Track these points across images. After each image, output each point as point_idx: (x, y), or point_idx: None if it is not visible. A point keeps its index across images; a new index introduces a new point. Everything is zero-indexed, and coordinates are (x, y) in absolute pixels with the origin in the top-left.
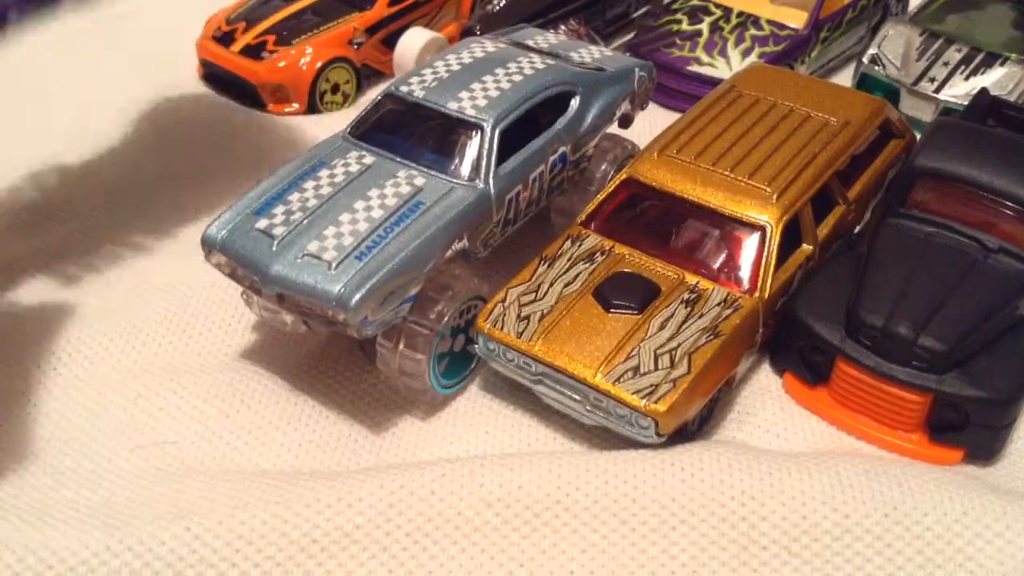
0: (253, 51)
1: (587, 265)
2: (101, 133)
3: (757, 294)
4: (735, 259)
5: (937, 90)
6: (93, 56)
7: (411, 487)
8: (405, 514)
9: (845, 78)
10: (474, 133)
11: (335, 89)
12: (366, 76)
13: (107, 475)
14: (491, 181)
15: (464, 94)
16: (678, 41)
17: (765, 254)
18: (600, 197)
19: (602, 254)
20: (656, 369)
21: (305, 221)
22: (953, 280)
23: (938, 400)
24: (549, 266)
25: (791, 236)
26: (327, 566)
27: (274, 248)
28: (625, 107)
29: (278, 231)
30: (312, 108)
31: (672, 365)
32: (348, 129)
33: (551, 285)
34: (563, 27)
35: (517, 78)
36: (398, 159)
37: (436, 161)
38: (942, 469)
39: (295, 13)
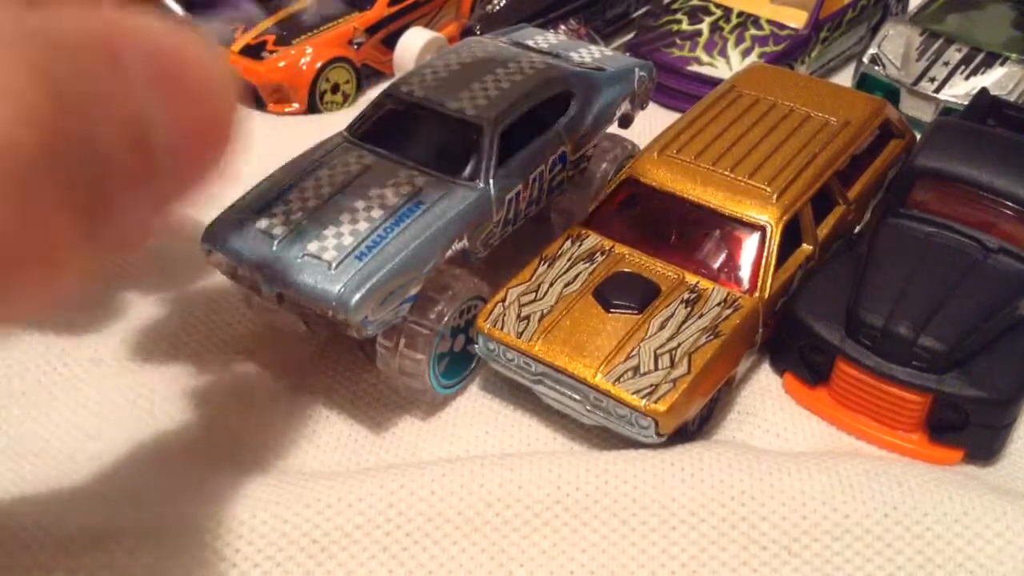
0: (253, 51)
1: (587, 265)
2: None
3: (757, 294)
4: (735, 259)
5: (937, 90)
6: None
7: (411, 487)
8: (405, 514)
9: (845, 78)
10: (474, 133)
11: (335, 89)
12: (366, 76)
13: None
14: (491, 181)
15: (464, 94)
16: (678, 41)
17: (765, 254)
18: (600, 197)
19: (602, 254)
20: (656, 369)
21: (305, 221)
22: (953, 280)
23: (938, 400)
24: (549, 266)
25: (791, 236)
26: (327, 566)
27: (274, 248)
28: (625, 107)
29: (278, 231)
30: (312, 108)
31: (672, 365)
32: (348, 129)
33: (551, 285)
34: (563, 27)
35: (517, 78)
36: (398, 159)
37: (436, 161)
38: (942, 469)
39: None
